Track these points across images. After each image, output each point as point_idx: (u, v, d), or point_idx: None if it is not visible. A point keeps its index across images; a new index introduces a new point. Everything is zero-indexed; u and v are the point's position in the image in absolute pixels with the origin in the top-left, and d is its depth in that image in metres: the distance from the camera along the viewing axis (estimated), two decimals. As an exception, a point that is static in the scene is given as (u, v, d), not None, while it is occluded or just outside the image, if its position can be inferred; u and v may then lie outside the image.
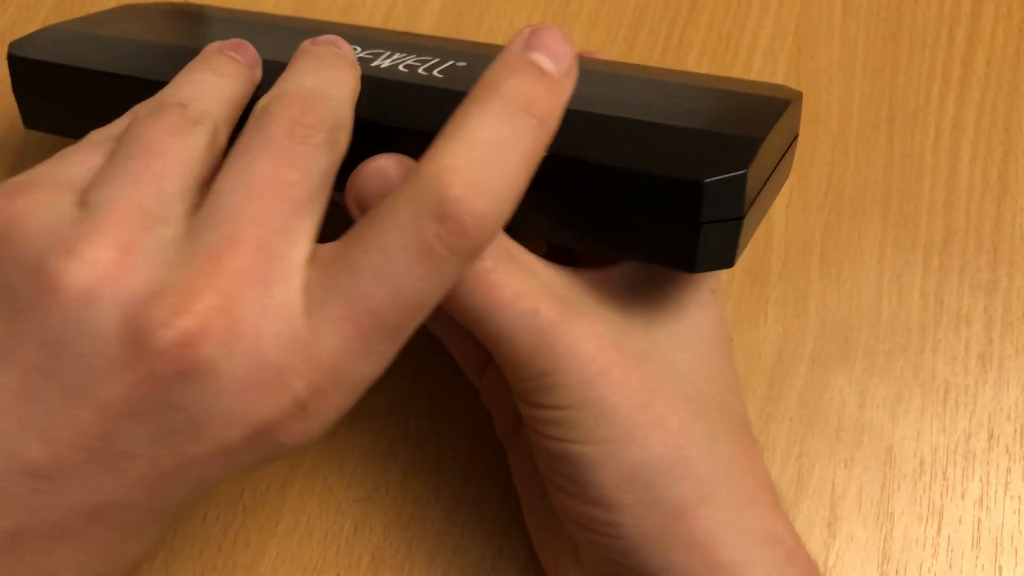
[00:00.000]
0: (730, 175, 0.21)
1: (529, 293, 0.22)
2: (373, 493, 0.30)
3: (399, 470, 0.30)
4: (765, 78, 0.37)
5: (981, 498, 0.29)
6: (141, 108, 0.22)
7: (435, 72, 0.26)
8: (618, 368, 0.22)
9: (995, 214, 0.34)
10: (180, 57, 0.25)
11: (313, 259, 0.20)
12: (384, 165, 0.22)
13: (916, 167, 0.35)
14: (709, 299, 0.25)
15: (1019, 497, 0.29)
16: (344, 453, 0.30)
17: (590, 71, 0.25)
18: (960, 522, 0.29)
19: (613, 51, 0.38)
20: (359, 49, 0.28)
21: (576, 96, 0.21)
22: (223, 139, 0.22)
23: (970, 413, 0.30)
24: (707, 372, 0.24)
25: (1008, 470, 0.29)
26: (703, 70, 0.38)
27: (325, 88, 0.22)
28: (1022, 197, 0.34)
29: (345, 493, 0.30)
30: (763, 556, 0.22)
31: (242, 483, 0.30)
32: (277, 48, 0.27)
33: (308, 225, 0.20)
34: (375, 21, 0.39)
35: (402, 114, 0.25)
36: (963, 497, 0.29)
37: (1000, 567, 0.28)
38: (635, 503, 0.22)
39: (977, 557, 0.28)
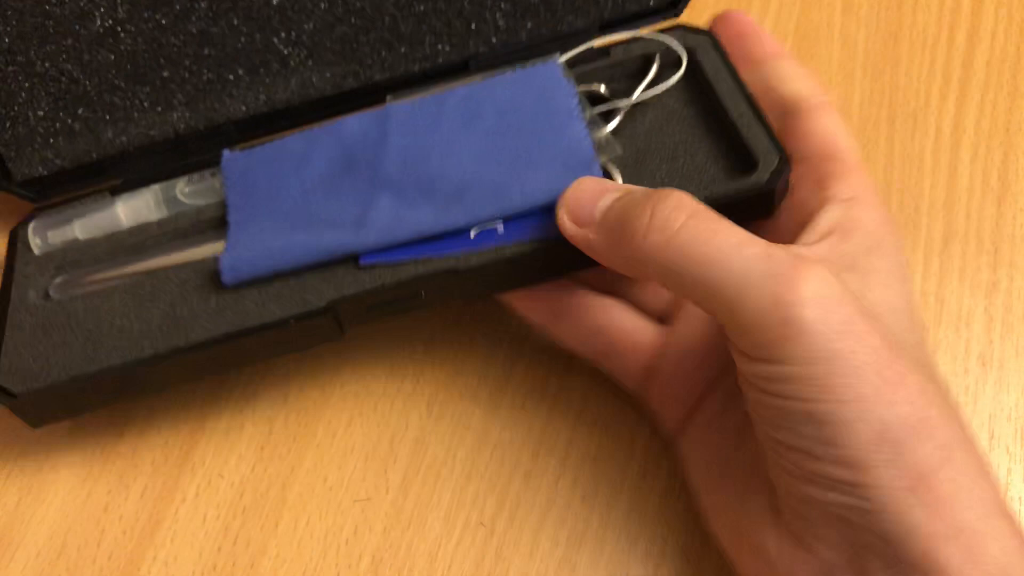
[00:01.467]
0: None
1: (754, 238, 0.22)
2: (373, 494, 0.30)
3: (399, 471, 0.30)
4: (765, 78, 0.37)
5: (981, 498, 0.29)
6: None
7: None
8: (860, 319, 0.22)
9: (995, 214, 0.34)
10: None
11: None
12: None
13: (916, 167, 0.35)
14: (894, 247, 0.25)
15: (1019, 498, 0.29)
16: (344, 454, 0.30)
17: None
18: (960, 522, 0.29)
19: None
20: None
21: None
22: None
23: (970, 413, 0.30)
24: (908, 325, 0.24)
25: (1008, 471, 0.29)
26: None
27: None
28: (1022, 197, 0.34)
29: (345, 494, 0.30)
30: (1003, 528, 0.21)
31: (242, 484, 0.30)
32: None
33: None
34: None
35: None
36: (963, 497, 0.29)
37: (1000, 567, 0.28)
38: (883, 464, 0.21)
39: (977, 557, 0.28)
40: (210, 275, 0.29)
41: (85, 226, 0.32)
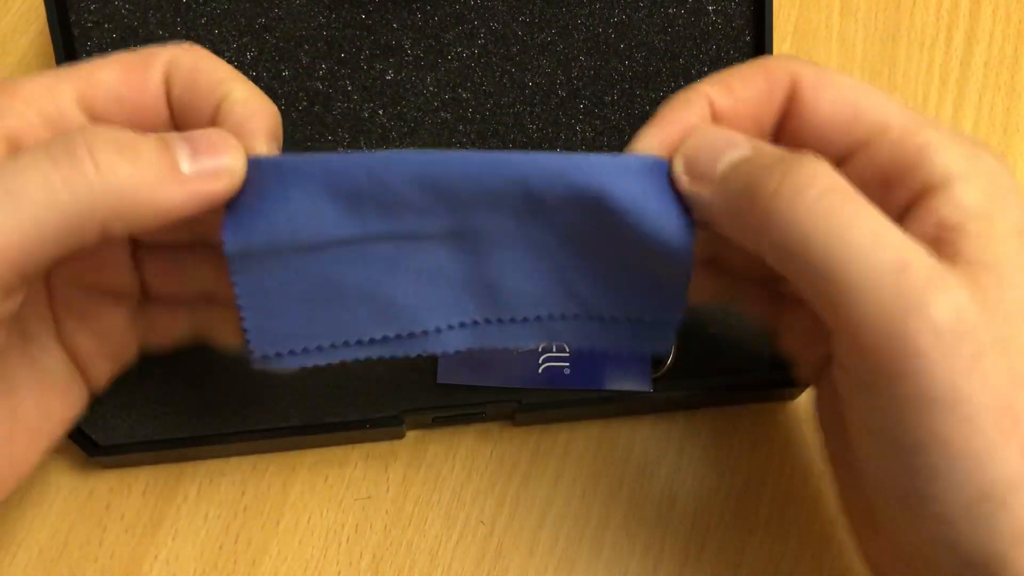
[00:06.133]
0: None
1: (894, 239, 0.18)
2: (373, 492, 0.30)
3: (399, 469, 0.30)
4: (764, 79, 0.37)
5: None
6: None
7: None
8: (989, 354, 0.18)
9: (993, 215, 0.34)
10: None
11: None
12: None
13: (914, 168, 0.35)
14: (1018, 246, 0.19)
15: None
16: (345, 452, 0.30)
17: None
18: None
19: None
20: None
21: None
22: None
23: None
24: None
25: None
26: (702, 71, 0.38)
27: None
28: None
29: (346, 492, 0.30)
30: None
31: (243, 482, 0.30)
32: None
33: None
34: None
35: None
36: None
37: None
38: (982, 522, 0.19)
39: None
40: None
41: None
